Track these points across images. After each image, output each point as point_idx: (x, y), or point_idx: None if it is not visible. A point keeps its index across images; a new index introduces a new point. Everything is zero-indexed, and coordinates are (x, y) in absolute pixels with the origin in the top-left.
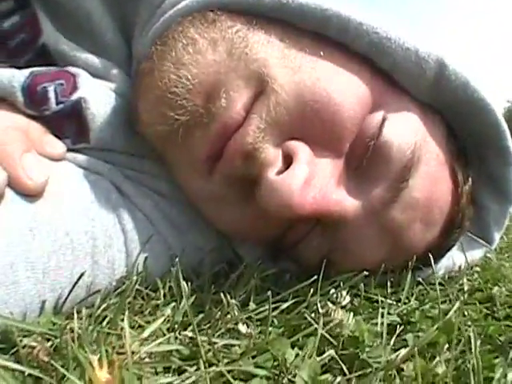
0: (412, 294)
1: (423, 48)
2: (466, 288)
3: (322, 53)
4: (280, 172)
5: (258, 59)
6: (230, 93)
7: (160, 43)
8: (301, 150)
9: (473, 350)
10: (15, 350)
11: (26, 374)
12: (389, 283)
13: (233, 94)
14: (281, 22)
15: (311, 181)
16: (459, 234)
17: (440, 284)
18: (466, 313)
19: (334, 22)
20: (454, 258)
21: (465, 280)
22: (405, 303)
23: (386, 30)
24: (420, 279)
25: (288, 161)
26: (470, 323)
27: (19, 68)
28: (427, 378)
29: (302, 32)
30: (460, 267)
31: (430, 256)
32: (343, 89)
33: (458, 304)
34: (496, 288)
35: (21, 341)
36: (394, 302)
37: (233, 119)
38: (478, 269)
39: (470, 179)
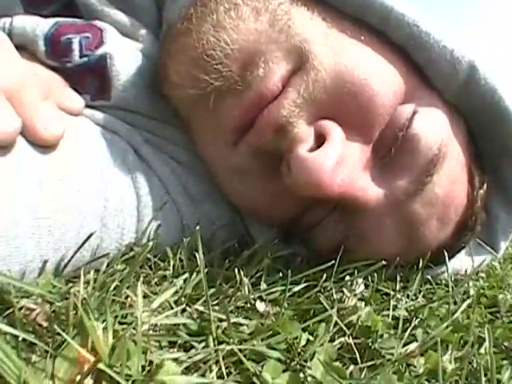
0: (420, 292)
1: (458, 48)
2: (471, 292)
3: (362, 38)
4: (311, 150)
5: (300, 34)
6: (269, 63)
7: (200, 4)
8: (334, 130)
9: (487, 349)
10: (10, 311)
11: (20, 338)
12: (398, 278)
13: (271, 64)
14: (323, 3)
15: (342, 163)
16: (470, 237)
17: (446, 285)
18: (471, 316)
19: (377, 9)
20: (462, 261)
21: (470, 284)
22: (412, 299)
23: (426, 24)
24: (429, 277)
25: (320, 140)
26: (477, 325)
27: (45, 17)
28: (437, 374)
29: (345, 15)
30: (466, 271)
31: (445, 253)
32: (380, 77)
33: (465, 305)
34: (501, 295)
35: (17, 302)
36: (402, 298)
37: (269, 90)
38: (483, 275)
39: (485, 185)
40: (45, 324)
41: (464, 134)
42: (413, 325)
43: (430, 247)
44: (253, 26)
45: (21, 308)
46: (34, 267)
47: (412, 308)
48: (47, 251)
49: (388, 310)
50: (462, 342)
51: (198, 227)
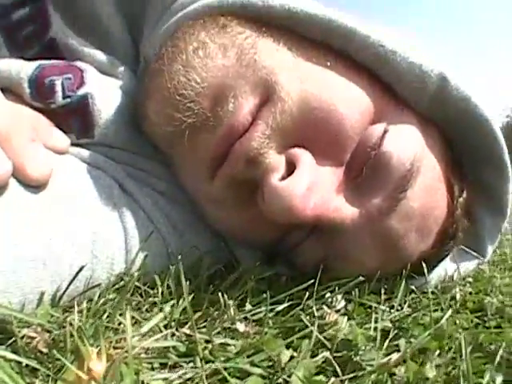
0: (405, 302)
1: (426, 62)
2: (457, 297)
3: (328, 63)
4: (283, 178)
5: (267, 66)
6: (238, 98)
7: (171, 45)
8: (304, 157)
9: (463, 356)
10: (12, 340)
11: (24, 364)
12: (383, 290)
13: (240, 99)
14: (289, 31)
15: (313, 187)
16: (453, 245)
17: (433, 293)
18: (457, 321)
19: (341, 32)
20: (447, 268)
21: (457, 290)
22: (398, 310)
23: (391, 43)
24: (413, 287)
25: (291, 167)
26: (460, 331)
27: (27, 60)
28: (418, 382)
29: (309, 41)
30: (453, 277)
31: (424, 265)
32: (347, 99)
33: (449, 312)
34: (488, 298)
35: (19, 331)
36: (388, 309)
37: (239, 123)
38: (470, 279)
39: (464, 192)
40: (45, 350)
41: (440, 144)
42: (396, 335)
43: (412, 258)
44: (221, 63)
45: (22, 337)
46: (32, 299)
47: (397, 318)
48: (44, 283)
49: (373, 322)
50: (446, 348)
51: (181, 255)
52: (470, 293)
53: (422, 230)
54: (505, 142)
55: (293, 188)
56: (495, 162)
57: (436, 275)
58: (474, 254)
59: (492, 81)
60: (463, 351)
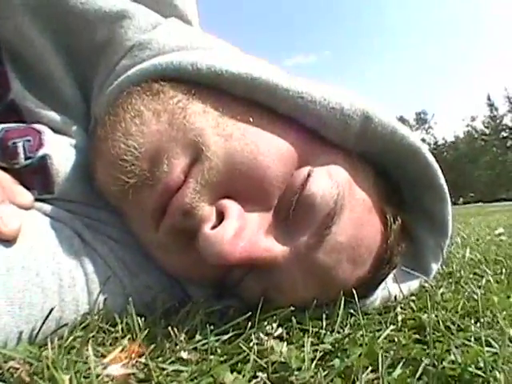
0: (346, 324)
1: (348, 105)
2: (399, 317)
3: (251, 119)
4: (214, 226)
5: (195, 129)
6: (171, 159)
7: (113, 113)
8: (231, 207)
9: (380, 370)
10: (0, 372)
11: None
12: (324, 315)
13: (173, 160)
14: (217, 89)
15: (241, 233)
16: (389, 269)
17: (379, 314)
18: (396, 339)
19: (263, 88)
20: (390, 289)
21: (398, 309)
22: (338, 332)
23: (310, 93)
24: (352, 311)
25: (221, 217)
26: (395, 348)
27: None
28: None
29: (235, 98)
30: (396, 297)
31: (354, 292)
32: (269, 151)
33: (388, 330)
34: (425, 315)
35: (5, 363)
36: (329, 332)
37: (173, 182)
38: (413, 298)
39: (399, 218)
40: (28, 379)
41: (372, 177)
42: (334, 356)
43: (348, 285)
44: (155, 128)
45: (8, 368)
46: (13, 337)
47: (337, 340)
48: (21, 324)
49: (312, 345)
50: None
51: (136, 296)
52: (413, 310)
53: (354, 259)
54: (465, 149)
55: (221, 235)
56: (431, 186)
57: (379, 297)
58: (416, 274)
59: (451, 90)
60: (380, 366)
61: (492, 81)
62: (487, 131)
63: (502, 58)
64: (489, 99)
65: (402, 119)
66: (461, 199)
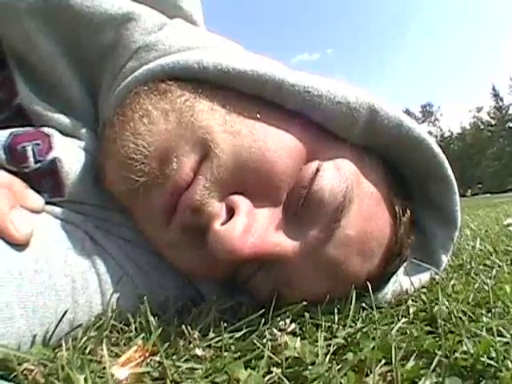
0: (358, 318)
1: (354, 98)
2: (411, 310)
3: (258, 115)
4: (224, 223)
5: (203, 127)
6: (180, 157)
7: (121, 113)
8: (241, 203)
9: (393, 362)
10: (14, 375)
11: None
12: (336, 310)
13: (182, 158)
14: (223, 87)
15: (251, 228)
16: (400, 262)
17: (391, 307)
18: (408, 331)
19: (270, 84)
20: (402, 282)
21: (410, 302)
22: (351, 326)
23: (317, 87)
24: (363, 304)
25: (231, 213)
26: (407, 340)
27: None
28: None
29: (242, 95)
30: (407, 290)
31: (368, 284)
32: (277, 147)
33: (400, 323)
34: (436, 307)
35: (19, 365)
36: (341, 327)
37: (183, 180)
38: (424, 290)
39: (408, 210)
40: (42, 380)
41: (380, 169)
42: (347, 349)
43: (359, 278)
44: (163, 127)
45: (23, 371)
46: (27, 340)
47: (350, 334)
48: (34, 326)
49: (325, 339)
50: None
51: (149, 296)
52: (425, 302)
53: (364, 252)
54: (472, 140)
55: (231, 231)
56: (438, 177)
57: (390, 290)
58: (427, 266)
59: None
60: (393, 359)
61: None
62: (493, 122)
63: (507, 46)
64: (494, 89)
65: (407, 112)
66: (469, 191)
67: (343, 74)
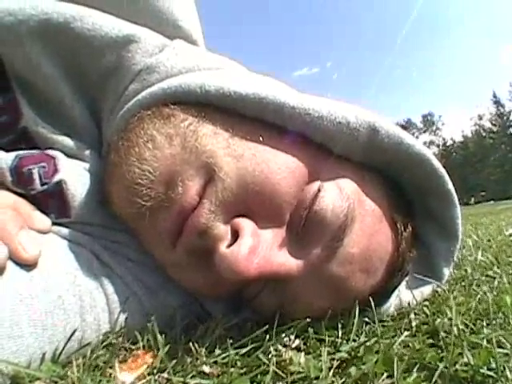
0: (361, 333)
1: (354, 118)
2: (413, 323)
3: (261, 138)
4: (230, 245)
5: (207, 151)
6: (185, 181)
7: (125, 138)
8: (245, 225)
9: (395, 376)
10: None
11: None
12: (339, 325)
13: (187, 182)
14: (226, 109)
15: (256, 250)
16: (401, 276)
17: (393, 320)
18: (410, 344)
19: (271, 107)
20: (403, 296)
21: (412, 315)
22: (354, 341)
23: (317, 109)
24: (366, 319)
25: (236, 235)
26: (410, 353)
27: (3, 147)
28: None
29: (244, 117)
30: (409, 303)
31: (371, 299)
32: (279, 169)
33: (402, 337)
34: (438, 320)
35: (30, 382)
36: (345, 341)
37: (188, 203)
38: (427, 303)
39: (409, 225)
40: None
41: (381, 186)
42: (350, 364)
43: (362, 294)
44: (168, 152)
45: None
46: (36, 358)
47: (353, 348)
48: (44, 344)
49: (328, 354)
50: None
51: (156, 314)
52: (427, 315)
53: (367, 269)
54: (474, 148)
55: (237, 253)
56: (439, 192)
57: (392, 304)
58: (428, 279)
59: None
60: (395, 371)
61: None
62: (495, 129)
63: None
64: (494, 96)
65: (409, 122)
66: (472, 199)
67: (342, 85)
